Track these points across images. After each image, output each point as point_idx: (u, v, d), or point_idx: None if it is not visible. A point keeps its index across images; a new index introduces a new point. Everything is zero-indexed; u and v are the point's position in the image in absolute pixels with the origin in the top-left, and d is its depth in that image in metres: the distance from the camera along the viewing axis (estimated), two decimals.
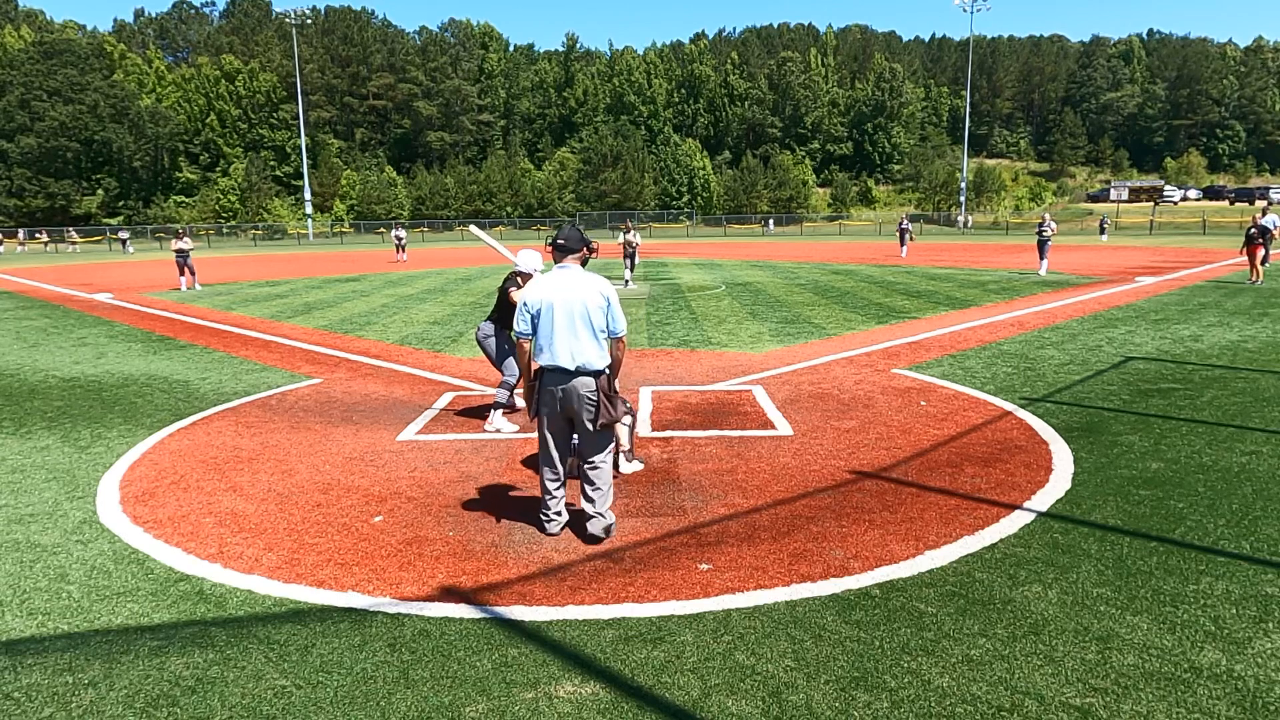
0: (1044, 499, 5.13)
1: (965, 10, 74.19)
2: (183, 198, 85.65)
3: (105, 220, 77.57)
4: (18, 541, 4.75)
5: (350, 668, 3.34)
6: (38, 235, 67.86)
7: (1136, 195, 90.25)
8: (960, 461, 5.93)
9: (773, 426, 6.99)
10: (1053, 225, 22.81)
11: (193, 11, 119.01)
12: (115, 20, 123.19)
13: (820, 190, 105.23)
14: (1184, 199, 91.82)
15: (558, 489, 4.69)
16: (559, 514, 4.70)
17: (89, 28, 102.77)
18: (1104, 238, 48.45)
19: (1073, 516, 4.84)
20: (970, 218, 79.01)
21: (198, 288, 22.14)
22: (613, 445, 4.67)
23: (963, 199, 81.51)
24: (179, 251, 21.81)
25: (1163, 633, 3.49)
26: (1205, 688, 3.08)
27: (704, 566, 4.23)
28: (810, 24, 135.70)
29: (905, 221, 36.10)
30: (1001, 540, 4.49)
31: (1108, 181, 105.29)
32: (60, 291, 22.94)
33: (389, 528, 4.85)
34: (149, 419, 7.72)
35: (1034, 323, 13.22)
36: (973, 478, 5.57)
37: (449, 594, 3.98)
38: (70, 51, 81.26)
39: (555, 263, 4.68)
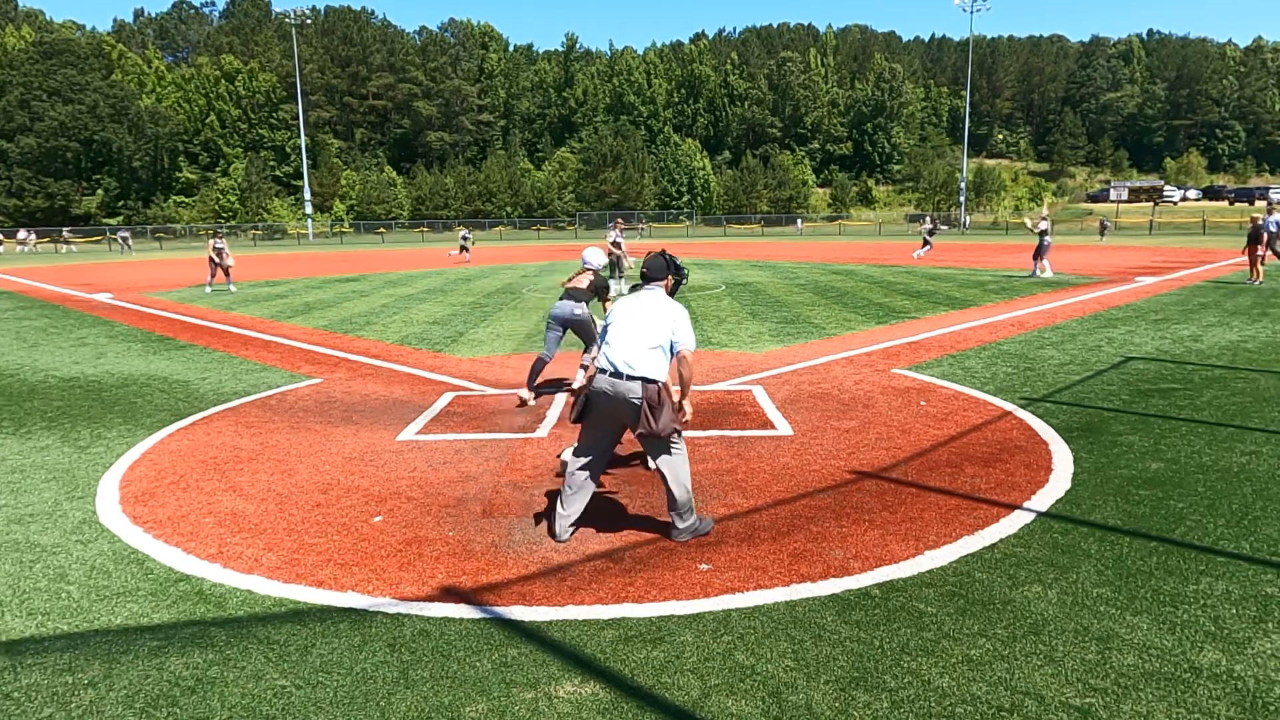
0: (1044, 499, 5.13)
1: (965, 10, 74.18)
2: (183, 198, 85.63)
3: (105, 220, 77.55)
4: (17, 541, 4.75)
5: (350, 668, 3.33)
6: (32, 235, 67.59)
7: (1136, 195, 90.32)
8: (960, 461, 5.93)
9: (773, 426, 6.99)
10: (1042, 224, 21.18)
11: (192, 11, 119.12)
12: (115, 20, 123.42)
13: (820, 190, 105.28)
14: (1184, 199, 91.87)
15: (574, 498, 4.61)
16: (573, 524, 4.63)
17: (88, 28, 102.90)
18: (1102, 239, 47.65)
19: (1073, 516, 4.84)
20: (968, 217, 78.96)
21: (208, 287, 21.81)
22: (683, 454, 4.63)
23: (962, 199, 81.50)
24: (217, 251, 21.66)
25: (1163, 633, 3.49)
26: (1205, 688, 3.08)
27: (704, 566, 4.23)
28: (810, 24, 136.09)
29: (929, 221, 33.62)
30: (1001, 540, 4.49)
31: (1107, 181, 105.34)
32: (60, 291, 22.94)
33: (389, 528, 4.85)
34: (149, 419, 7.72)
35: (1034, 323, 13.22)
36: (973, 478, 5.57)
37: (449, 594, 3.98)
38: (70, 51, 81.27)
39: (644, 285, 4.90)
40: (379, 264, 34.48)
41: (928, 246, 31.51)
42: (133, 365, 10.69)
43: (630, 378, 4.47)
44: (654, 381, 4.49)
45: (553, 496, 5.21)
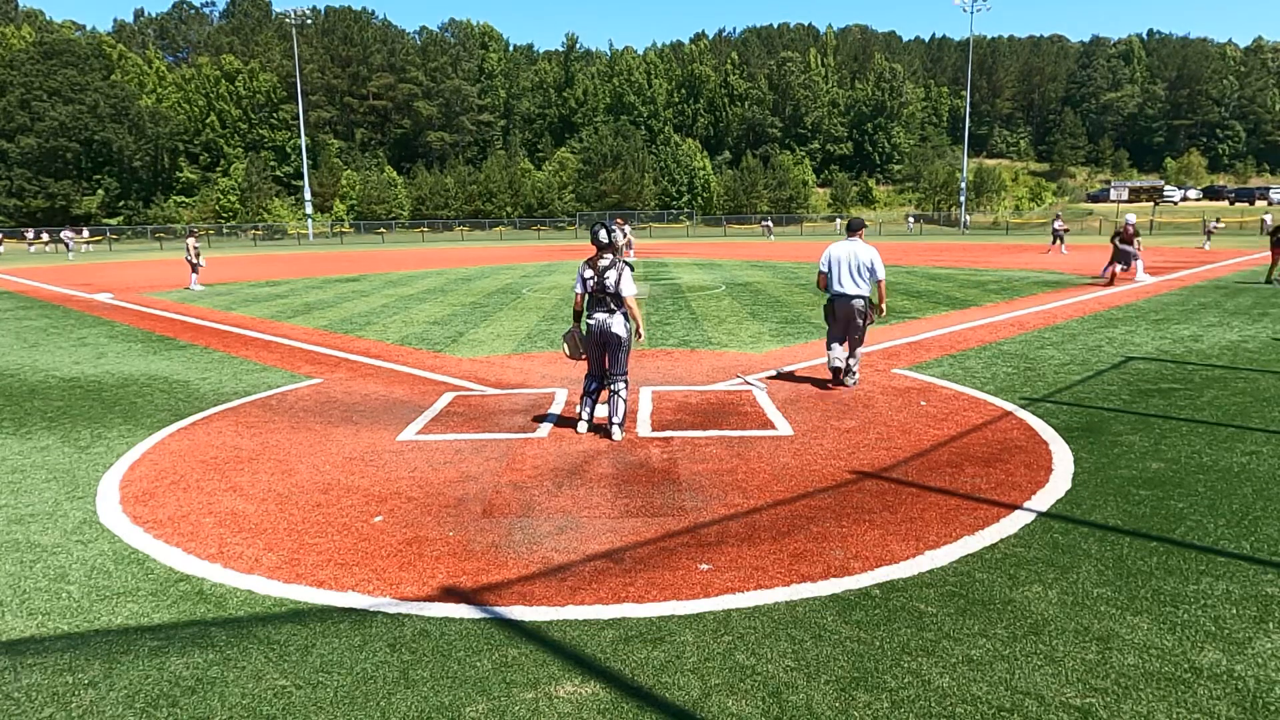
0: (1044, 499, 5.13)
1: (965, 10, 74.13)
2: (183, 198, 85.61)
3: (105, 220, 77.54)
4: (18, 541, 4.75)
5: (350, 668, 3.34)
6: (41, 235, 67.37)
7: (1136, 195, 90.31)
8: (960, 461, 5.93)
9: (773, 426, 6.99)
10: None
11: (193, 11, 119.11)
12: (115, 20, 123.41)
13: (820, 190, 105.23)
14: (1184, 199, 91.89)
15: (839, 354, 8.34)
16: (845, 370, 8.38)
17: (89, 28, 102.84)
18: (1208, 243, 41.48)
19: (1073, 516, 4.84)
20: (968, 217, 78.91)
21: (195, 288, 22.14)
22: (863, 339, 8.53)
23: (962, 199, 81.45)
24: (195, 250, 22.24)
25: (1163, 633, 3.49)
26: (1205, 688, 3.08)
27: (704, 566, 4.23)
28: (810, 24, 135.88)
29: (1059, 221, 35.11)
30: (1001, 540, 4.49)
31: (1108, 182, 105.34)
32: (60, 291, 22.94)
33: (389, 528, 4.85)
34: (149, 419, 7.72)
35: (1034, 323, 13.22)
36: (973, 478, 5.57)
37: (449, 594, 3.98)
38: (70, 52, 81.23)
39: (848, 237, 8.39)
40: (380, 264, 34.48)
41: (1060, 241, 33.71)
42: (133, 365, 10.69)
43: (853, 296, 8.14)
44: (864, 297, 8.17)
45: (548, 495, 5.25)
